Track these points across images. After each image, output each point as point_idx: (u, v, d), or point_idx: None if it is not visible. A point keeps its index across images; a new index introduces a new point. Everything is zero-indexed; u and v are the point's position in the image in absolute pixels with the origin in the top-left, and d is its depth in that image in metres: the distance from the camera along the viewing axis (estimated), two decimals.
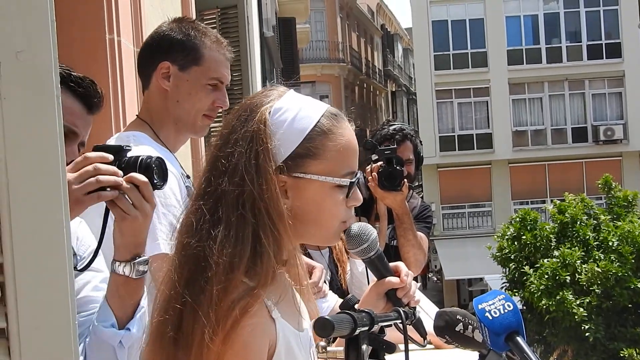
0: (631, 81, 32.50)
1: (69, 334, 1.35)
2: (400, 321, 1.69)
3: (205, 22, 5.87)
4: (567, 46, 33.37)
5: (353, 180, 1.67)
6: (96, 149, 1.96)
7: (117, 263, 1.93)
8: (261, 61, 10.98)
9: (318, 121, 1.65)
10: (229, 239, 1.56)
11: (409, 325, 1.82)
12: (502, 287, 19.48)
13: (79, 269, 1.99)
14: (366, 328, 1.53)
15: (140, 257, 1.94)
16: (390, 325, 1.76)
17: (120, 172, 1.89)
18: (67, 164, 1.92)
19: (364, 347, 1.50)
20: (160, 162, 1.97)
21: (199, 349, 1.52)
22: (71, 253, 1.40)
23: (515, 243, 19.34)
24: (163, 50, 2.59)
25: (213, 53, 2.61)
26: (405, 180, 3.87)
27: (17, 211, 1.33)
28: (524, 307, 19.09)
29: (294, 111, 1.64)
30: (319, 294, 2.78)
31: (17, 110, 1.31)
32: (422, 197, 4.55)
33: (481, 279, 30.25)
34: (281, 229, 1.58)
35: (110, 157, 1.91)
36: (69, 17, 3.43)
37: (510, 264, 19.36)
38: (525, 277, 18.61)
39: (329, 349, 1.54)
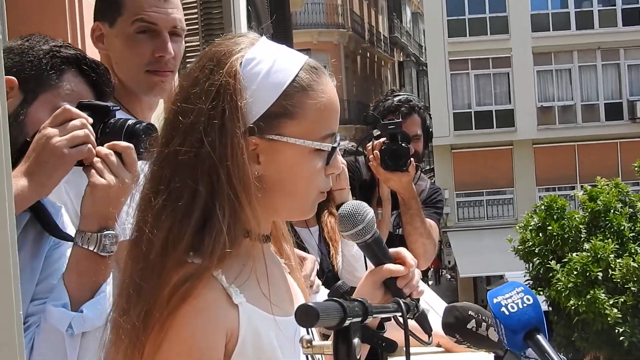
0: None
1: (12, 324, 1.36)
2: (400, 314, 1.67)
3: None
4: (599, 10, 33.38)
5: (335, 145, 1.65)
6: (81, 105, 2.01)
7: (82, 234, 1.95)
8: (248, 27, 10.93)
9: (296, 75, 1.62)
10: (170, 210, 1.54)
11: (411, 319, 1.81)
12: (525, 284, 19.42)
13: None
14: (359, 319, 1.51)
15: (109, 230, 1.95)
16: (389, 319, 1.74)
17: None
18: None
19: (355, 340, 1.48)
20: (150, 129, 2.02)
21: (124, 343, 1.51)
22: (15, 240, 1.40)
23: (540, 235, 19.46)
24: (95, 12, 2.61)
25: None
26: (412, 159, 3.86)
27: None
28: (550, 308, 19.24)
29: (268, 62, 1.61)
30: (311, 289, 2.79)
31: None
32: (433, 181, 4.59)
33: (501, 277, 30.18)
34: (243, 199, 1.55)
35: (90, 119, 1.95)
36: None
37: (535, 259, 19.49)
38: (551, 274, 18.74)
39: (314, 343, 1.49)
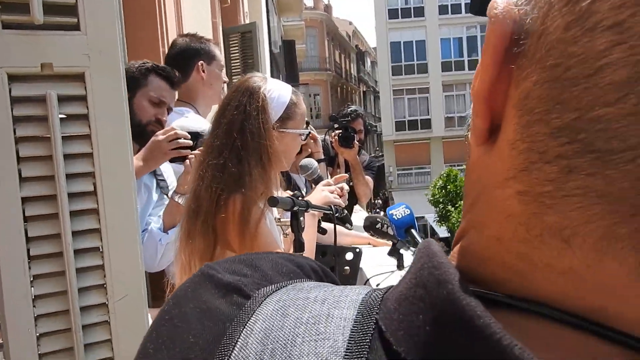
0: None
1: (140, 272, 1.36)
2: (330, 211, 1.67)
3: (230, 43, 5.71)
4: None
5: (309, 130, 1.75)
6: (188, 132, 1.95)
7: (175, 193, 1.97)
8: (270, 70, 10.98)
9: (290, 97, 1.62)
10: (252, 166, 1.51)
11: (338, 216, 1.75)
12: (434, 220, 19.78)
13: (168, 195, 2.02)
14: (303, 208, 1.52)
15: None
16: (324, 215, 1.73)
17: (191, 143, 1.91)
18: (159, 122, 2.01)
19: (301, 218, 1.49)
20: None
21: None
22: (139, 222, 1.37)
23: (443, 191, 19.45)
24: (193, 55, 2.56)
25: (217, 52, 2.61)
26: (356, 142, 3.73)
27: (107, 195, 1.31)
28: (449, 234, 19.24)
29: (277, 91, 1.59)
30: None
31: (103, 104, 1.27)
32: (380, 160, 4.27)
33: (423, 217, 30.24)
34: (272, 162, 1.54)
35: (188, 136, 1.92)
36: (135, 38, 3.37)
37: (440, 205, 19.50)
38: (449, 214, 18.76)
39: (282, 219, 1.55)
